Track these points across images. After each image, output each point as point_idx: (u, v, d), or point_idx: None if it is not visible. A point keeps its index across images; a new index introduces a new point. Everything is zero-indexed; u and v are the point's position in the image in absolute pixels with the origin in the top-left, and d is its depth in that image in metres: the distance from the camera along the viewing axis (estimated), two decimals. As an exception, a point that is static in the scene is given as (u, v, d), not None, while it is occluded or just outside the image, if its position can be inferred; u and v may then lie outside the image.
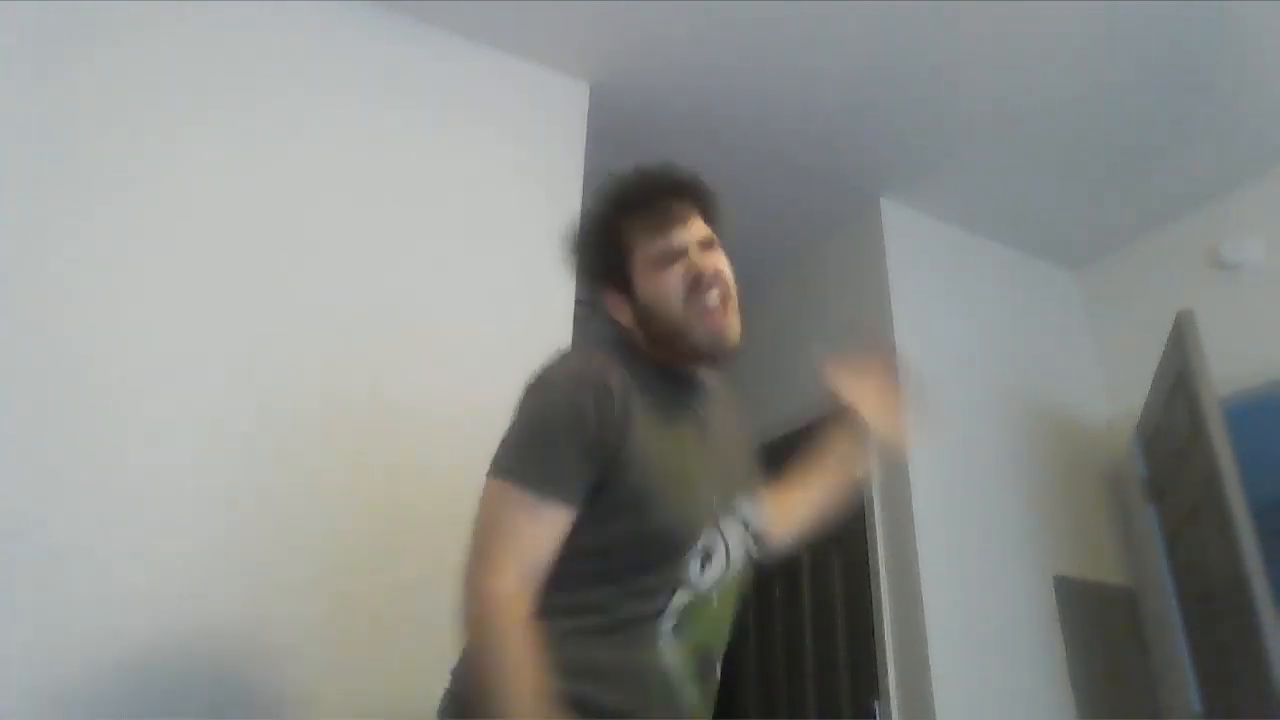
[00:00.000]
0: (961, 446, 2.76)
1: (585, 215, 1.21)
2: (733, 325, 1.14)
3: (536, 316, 2.19)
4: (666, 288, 1.13)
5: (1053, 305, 3.29)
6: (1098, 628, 2.71)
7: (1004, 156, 2.81)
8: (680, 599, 1.06)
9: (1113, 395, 3.12)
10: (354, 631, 1.71)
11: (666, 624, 1.05)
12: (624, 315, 1.18)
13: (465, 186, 2.25)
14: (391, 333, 2.00)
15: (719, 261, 1.16)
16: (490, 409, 2.00)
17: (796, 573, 2.91)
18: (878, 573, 2.59)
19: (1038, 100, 2.56)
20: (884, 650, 2.50)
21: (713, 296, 1.13)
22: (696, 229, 1.16)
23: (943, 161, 2.84)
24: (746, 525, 1.16)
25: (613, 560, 1.06)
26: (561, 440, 1.05)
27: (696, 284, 1.12)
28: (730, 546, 1.12)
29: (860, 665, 2.58)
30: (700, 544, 1.08)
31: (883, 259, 2.92)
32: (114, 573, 1.58)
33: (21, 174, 1.74)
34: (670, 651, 1.05)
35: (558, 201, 2.35)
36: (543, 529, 1.03)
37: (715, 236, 1.19)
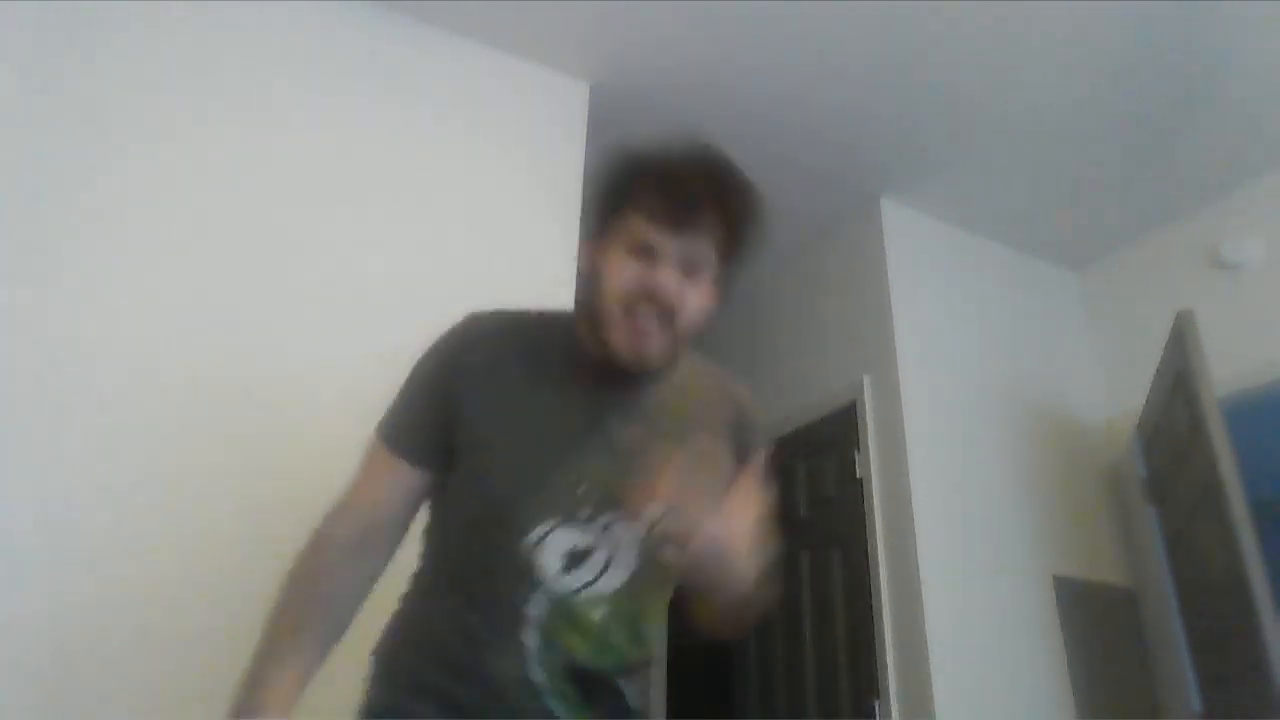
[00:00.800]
0: (961, 446, 2.77)
1: (623, 154, 1.07)
2: (654, 345, 1.00)
3: (536, 316, 2.19)
4: (619, 273, 1.01)
5: (1053, 305, 3.30)
6: (1098, 628, 2.71)
7: (1004, 156, 2.81)
8: (540, 603, 0.96)
9: (1113, 395, 3.13)
10: None
11: (529, 632, 0.96)
12: (582, 264, 1.11)
13: (465, 186, 2.25)
14: (390, 331, 2.00)
15: (691, 291, 1.01)
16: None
17: (796, 572, 2.91)
18: (878, 573, 2.59)
19: (1038, 100, 2.56)
20: (884, 650, 2.50)
21: (648, 310, 0.99)
22: (690, 246, 1.00)
23: (943, 161, 2.84)
24: (651, 530, 0.99)
25: (455, 545, 1.04)
26: (413, 393, 1.07)
27: (645, 293, 0.99)
28: (616, 552, 1.00)
29: (860, 665, 2.58)
30: (546, 536, 0.97)
31: (883, 259, 2.92)
32: (91, 568, 1.58)
33: (20, 174, 1.74)
34: (533, 659, 0.95)
35: (558, 201, 2.35)
36: (387, 481, 1.04)
37: (711, 261, 1.03)
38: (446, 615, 0.99)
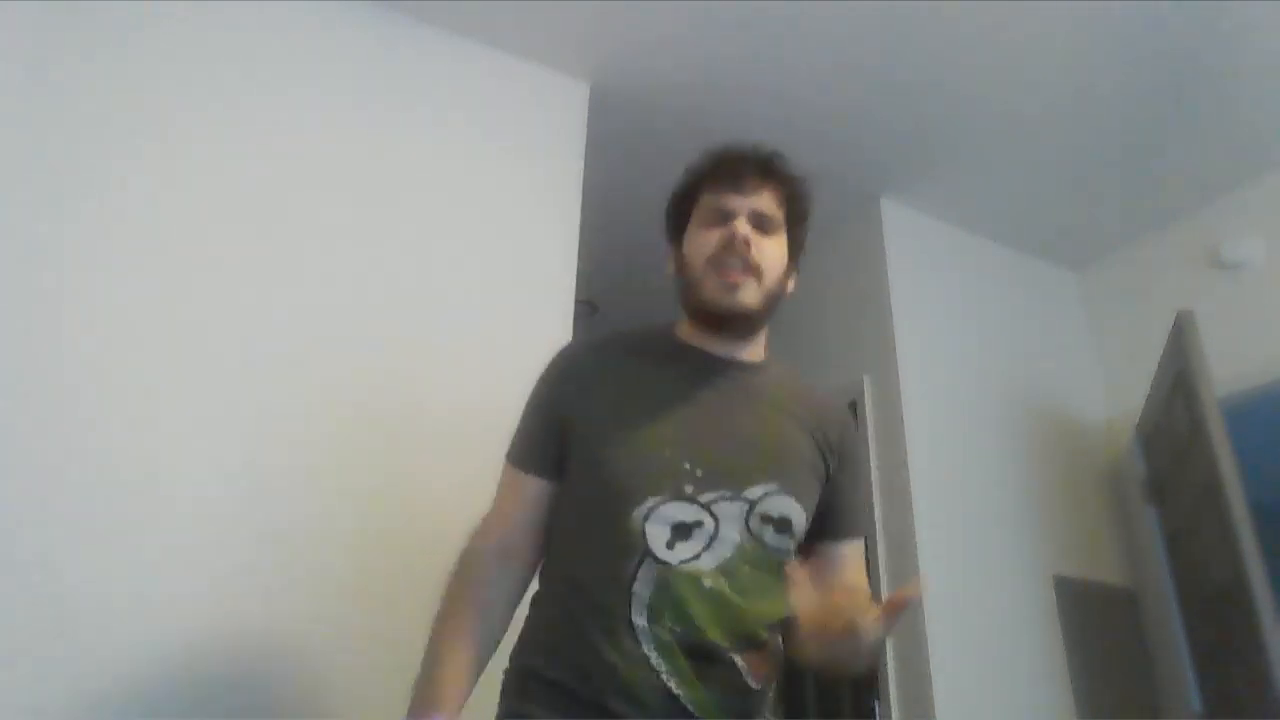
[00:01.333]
0: (961, 446, 2.76)
1: (686, 168, 1.26)
2: (744, 291, 1.12)
3: (536, 315, 2.19)
4: (702, 241, 1.15)
5: (1053, 305, 3.29)
6: (1098, 628, 2.71)
7: (1004, 156, 2.81)
8: (648, 576, 1.01)
9: (1113, 395, 3.13)
10: (377, 635, 1.71)
11: (638, 608, 1.01)
12: (672, 265, 1.23)
13: (465, 186, 2.24)
14: (391, 332, 2.00)
15: (767, 243, 1.15)
16: (490, 406, 2.01)
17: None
18: (878, 572, 2.59)
19: (1038, 100, 2.56)
20: (884, 650, 2.50)
21: (734, 261, 1.11)
22: (758, 202, 1.16)
23: (943, 161, 2.84)
24: (751, 509, 1.06)
25: (570, 536, 1.12)
26: (528, 416, 1.20)
27: (727, 246, 1.12)
28: (721, 526, 1.04)
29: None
30: (644, 510, 1.03)
31: (883, 259, 2.92)
32: (129, 579, 1.58)
33: (17, 174, 1.74)
34: (645, 636, 1.00)
35: (558, 201, 2.35)
36: (518, 495, 1.16)
37: (779, 220, 1.18)
38: (563, 612, 1.07)
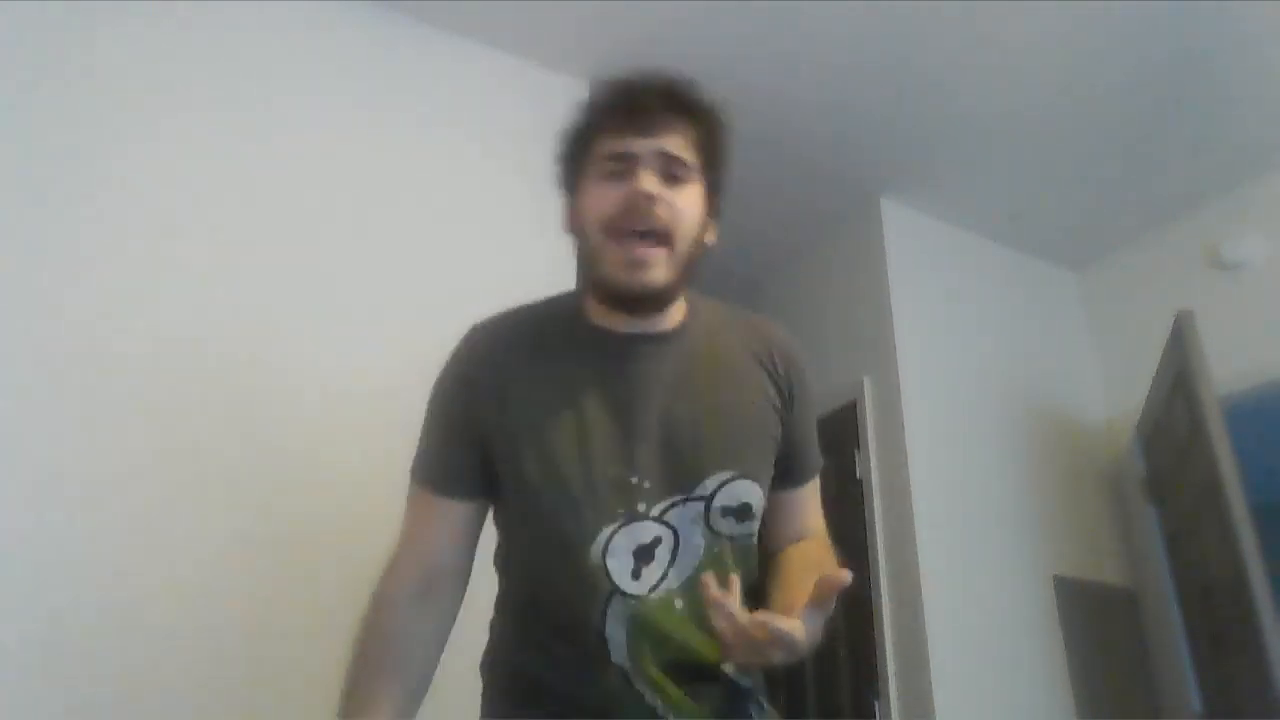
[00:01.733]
0: (961, 446, 2.76)
1: (576, 104, 1.04)
2: (653, 269, 0.92)
3: (536, 316, 2.19)
4: (599, 199, 0.95)
5: (1053, 305, 3.29)
6: (1098, 628, 2.71)
7: (1004, 156, 2.81)
8: (618, 612, 0.90)
9: (1113, 395, 3.12)
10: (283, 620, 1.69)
11: (615, 648, 0.90)
12: (566, 223, 1.04)
13: (462, 185, 2.24)
14: (389, 332, 2.00)
15: (679, 194, 0.94)
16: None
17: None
18: (878, 573, 2.59)
19: (1038, 100, 2.56)
20: (884, 650, 2.50)
21: (638, 225, 0.92)
22: (665, 142, 0.94)
23: (943, 161, 2.84)
24: (709, 507, 0.94)
25: (523, 573, 0.99)
26: (440, 432, 1.02)
27: (630, 208, 0.92)
28: (681, 534, 0.93)
29: (860, 665, 2.58)
30: (609, 542, 0.90)
31: (883, 259, 2.92)
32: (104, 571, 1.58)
33: (16, 173, 1.74)
34: (627, 669, 0.90)
35: (557, 201, 2.35)
36: (438, 523, 1.00)
37: (692, 163, 0.97)
38: (536, 646, 0.95)
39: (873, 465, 2.73)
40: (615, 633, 0.90)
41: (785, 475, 1.06)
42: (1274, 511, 3.24)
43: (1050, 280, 3.34)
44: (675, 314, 1.02)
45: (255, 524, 1.72)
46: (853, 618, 2.66)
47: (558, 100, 2.48)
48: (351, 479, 1.83)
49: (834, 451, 2.91)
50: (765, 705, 0.99)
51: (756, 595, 0.98)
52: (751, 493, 0.97)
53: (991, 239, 3.22)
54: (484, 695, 1.01)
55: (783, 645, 0.78)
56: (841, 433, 2.87)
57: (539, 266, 2.24)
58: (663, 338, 1.00)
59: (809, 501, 1.14)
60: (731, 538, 0.96)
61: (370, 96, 2.21)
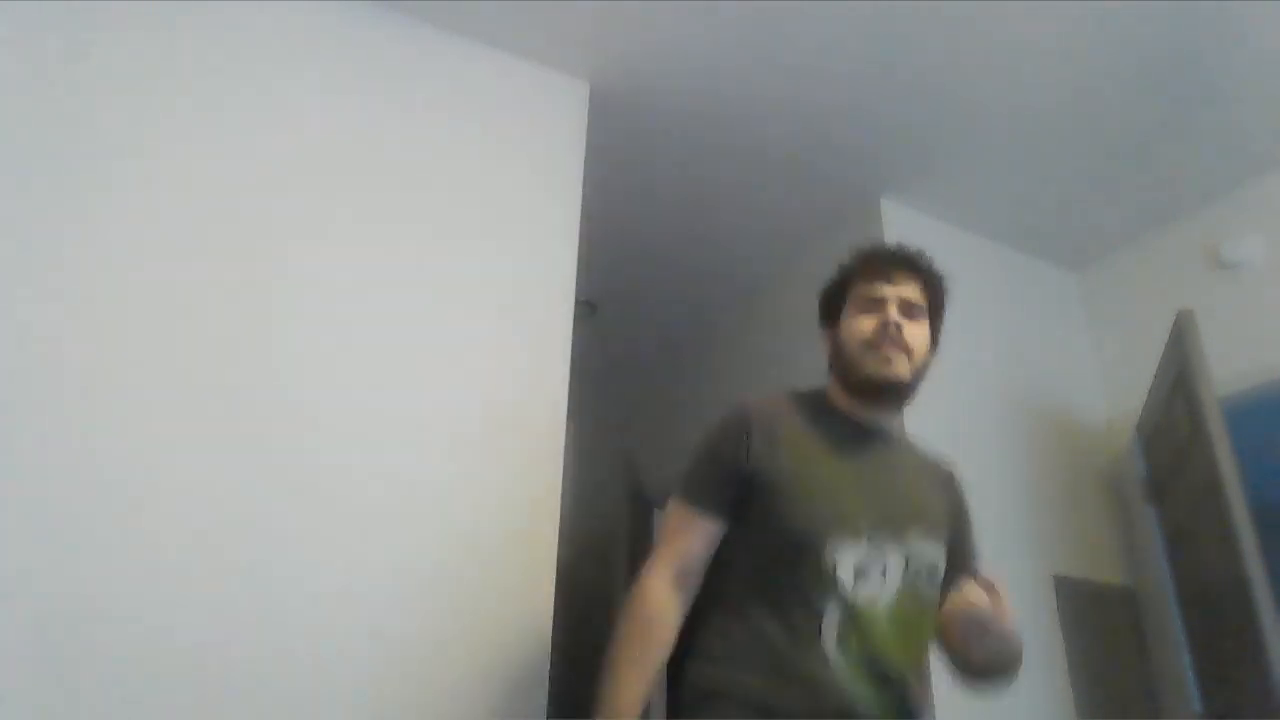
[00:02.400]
0: (961, 447, 2.75)
1: (838, 265, 1.51)
2: (898, 365, 1.33)
3: (536, 315, 2.19)
4: (857, 327, 1.36)
5: (1053, 305, 3.29)
6: (1098, 628, 2.71)
7: (1004, 156, 2.81)
8: (837, 610, 1.20)
9: (1113, 395, 3.12)
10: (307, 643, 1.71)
11: (829, 634, 1.19)
12: (827, 346, 1.45)
13: (464, 186, 2.24)
14: (389, 332, 2.00)
15: (914, 327, 1.36)
16: (490, 407, 2.01)
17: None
18: (878, 573, 2.59)
19: (1038, 100, 2.56)
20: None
21: (889, 345, 1.32)
22: (905, 291, 1.37)
23: (943, 161, 2.84)
24: (909, 557, 1.27)
25: (761, 570, 1.27)
26: (708, 464, 1.35)
27: (881, 331, 1.33)
28: (888, 568, 1.24)
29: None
30: (834, 552, 1.21)
31: (883, 259, 2.91)
32: (114, 590, 1.58)
33: (16, 173, 1.74)
34: (836, 658, 1.18)
35: (558, 201, 2.35)
36: (695, 533, 1.31)
37: (923, 308, 1.39)
38: (757, 630, 1.22)
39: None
40: (831, 619, 1.20)
41: (951, 572, 1.36)
42: (1274, 511, 3.24)
43: (1050, 280, 3.34)
44: (897, 424, 1.45)
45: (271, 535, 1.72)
46: (853, 618, 2.66)
47: (560, 101, 2.49)
48: (344, 479, 1.83)
49: (834, 451, 2.91)
50: None
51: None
52: (938, 557, 1.32)
53: (991, 239, 3.21)
54: (698, 698, 1.25)
55: (982, 621, 1.18)
56: (842, 433, 2.87)
57: (540, 266, 2.26)
58: (886, 435, 1.41)
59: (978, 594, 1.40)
60: (921, 593, 1.28)
61: (370, 97, 2.21)
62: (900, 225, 3.00)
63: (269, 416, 1.81)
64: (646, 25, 2.34)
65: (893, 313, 1.34)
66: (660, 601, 1.26)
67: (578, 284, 2.30)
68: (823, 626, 1.19)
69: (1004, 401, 2.93)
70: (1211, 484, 2.18)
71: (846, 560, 1.22)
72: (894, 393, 1.36)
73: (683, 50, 2.42)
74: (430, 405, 1.96)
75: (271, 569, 1.69)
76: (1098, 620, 2.73)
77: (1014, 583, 2.60)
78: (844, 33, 2.33)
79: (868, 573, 1.22)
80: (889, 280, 1.37)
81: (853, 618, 1.20)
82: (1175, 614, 2.64)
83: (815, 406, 1.40)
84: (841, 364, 1.39)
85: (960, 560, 1.41)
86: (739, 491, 1.30)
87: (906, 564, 1.26)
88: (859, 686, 1.17)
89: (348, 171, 2.10)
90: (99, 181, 1.81)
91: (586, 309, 3.51)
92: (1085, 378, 3.19)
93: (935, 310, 1.44)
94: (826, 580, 1.21)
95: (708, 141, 2.71)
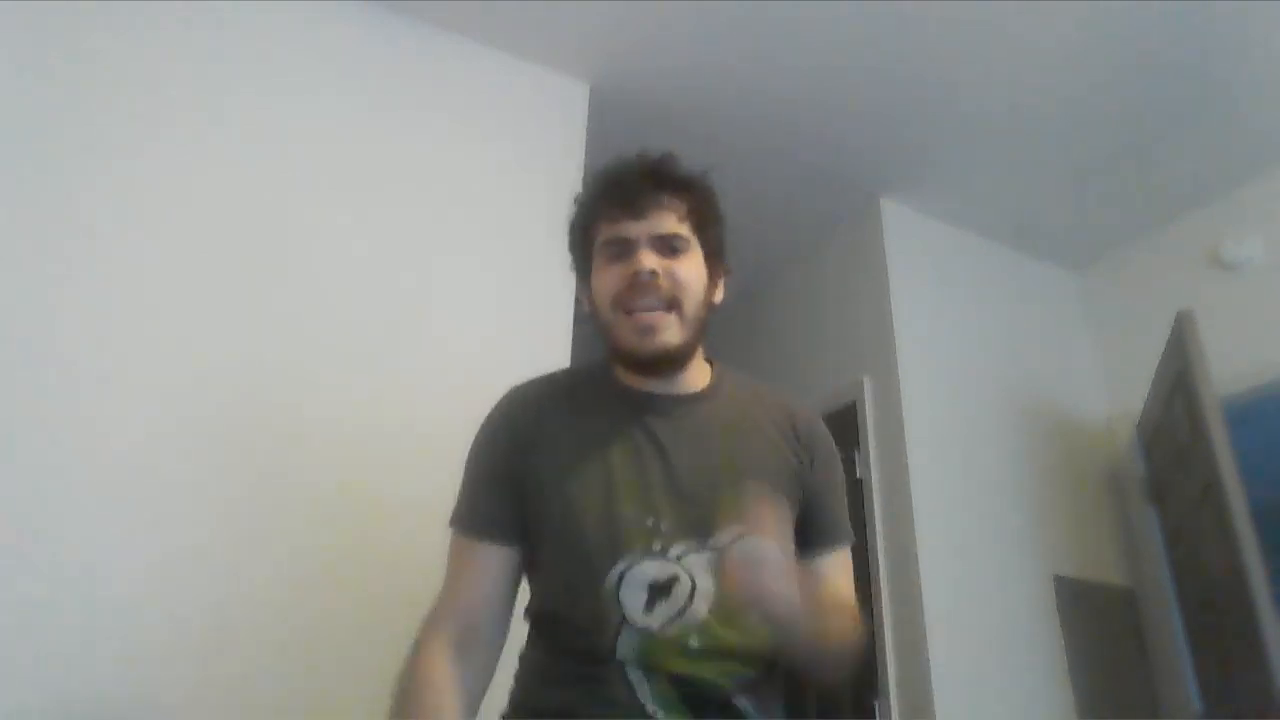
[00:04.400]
0: (961, 446, 2.76)
1: (574, 194, 1.18)
2: (663, 332, 1.02)
3: (536, 316, 2.19)
4: (603, 283, 1.05)
5: (1053, 305, 3.29)
6: (1098, 628, 2.71)
7: (1004, 156, 2.81)
8: (629, 643, 0.95)
9: (1113, 395, 3.13)
10: (319, 650, 1.69)
11: (630, 670, 0.95)
12: (586, 305, 1.13)
13: (465, 186, 2.24)
14: (389, 332, 2.00)
15: (679, 264, 1.04)
16: (487, 410, 2.01)
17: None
18: (878, 573, 2.59)
19: (1038, 100, 2.56)
20: (884, 650, 2.50)
21: (645, 300, 1.02)
22: (656, 223, 1.04)
23: (943, 161, 2.84)
24: (717, 554, 0.98)
25: (549, 596, 1.04)
26: (477, 481, 1.08)
27: (633, 284, 1.02)
28: (696, 579, 0.97)
29: (860, 665, 2.58)
30: (625, 574, 0.96)
31: (883, 259, 2.92)
32: (78, 575, 1.58)
33: (15, 173, 1.74)
34: (639, 688, 0.95)
35: (557, 202, 2.34)
36: (475, 568, 1.04)
37: (686, 235, 1.06)
38: (555, 667, 1.00)
39: (873, 465, 2.73)
40: (627, 654, 0.95)
41: (806, 542, 1.07)
42: (1274, 511, 3.24)
43: (1050, 280, 3.34)
44: (699, 378, 1.11)
45: (286, 555, 1.72)
46: (853, 618, 2.66)
47: (559, 101, 2.49)
48: (337, 482, 1.83)
49: (834, 451, 2.92)
50: None
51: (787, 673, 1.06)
52: (767, 549, 0.92)
53: (991, 239, 3.22)
54: None
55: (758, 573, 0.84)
56: (841, 433, 2.87)
57: (540, 267, 2.25)
58: (686, 399, 1.09)
59: (836, 575, 1.12)
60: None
61: (370, 97, 2.21)
62: (900, 225, 3.01)
63: (264, 422, 1.81)
64: (646, 25, 2.34)
65: (646, 259, 1.02)
66: (434, 669, 0.97)
67: (578, 284, 2.30)
68: (619, 663, 0.95)
69: (1004, 401, 2.93)
70: (1211, 484, 2.18)
71: (635, 581, 0.96)
72: (665, 363, 1.05)
73: (683, 50, 2.42)
74: (430, 406, 1.96)
75: (275, 580, 1.69)
76: (1098, 620, 2.73)
77: (1014, 583, 2.64)
78: (844, 33, 2.33)
79: (669, 589, 0.96)
80: (634, 213, 1.04)
81: (648, 651, 0.95)
82: (1175, 614, 2.64)
83: (596, 385, 1.11)
84: (601, 332, 1.08)
85: (814, 530, 1.09)
86: (515, 508, 1.05)
87: (710, 560, 0.98)
88: (674, 712, 0.94)
89: (347, 171, 2.10)
90: (99, 181, 1.81)
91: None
92: (1085, 378, 3.20)
93: (705, 225, 1.10)
94: (610, 613, 0.96)
95: (707, 141, 2.70)
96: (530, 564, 1.07)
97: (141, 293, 1.78)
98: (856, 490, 2.76)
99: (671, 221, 1.06)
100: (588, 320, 1.13)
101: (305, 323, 1.92)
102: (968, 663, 2.43)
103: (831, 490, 1.13)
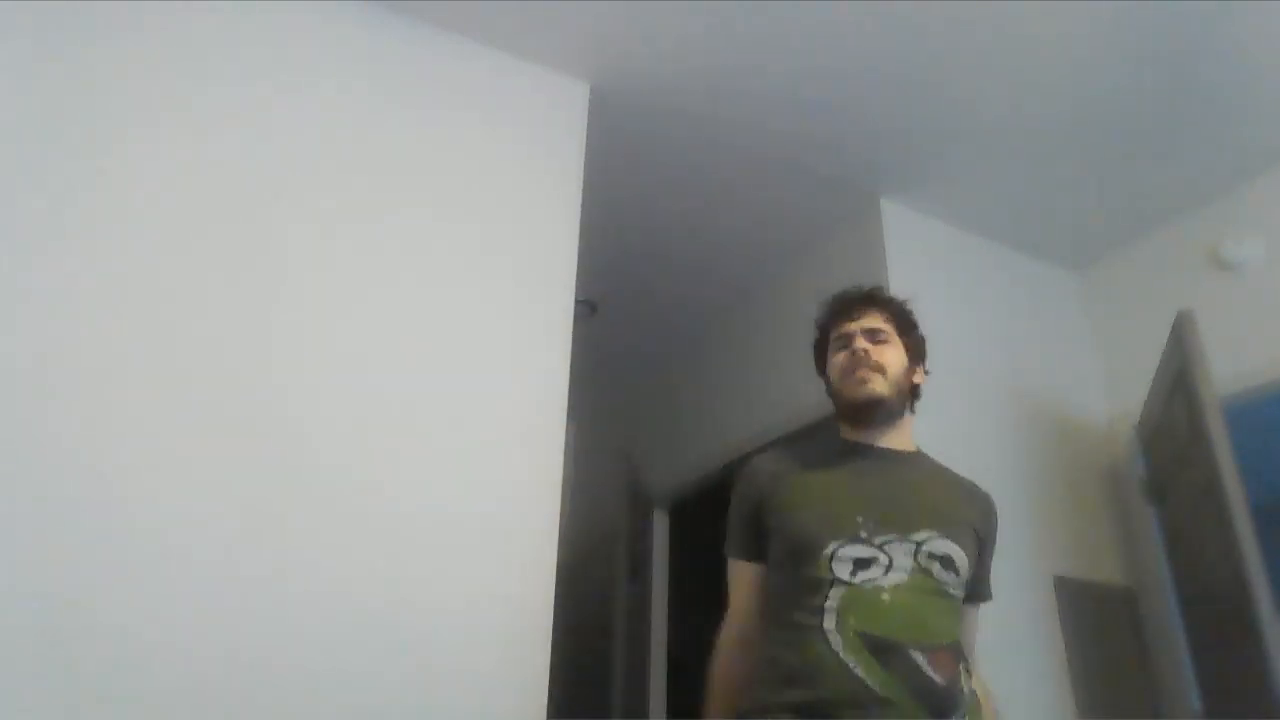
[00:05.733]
0: (962, 447, 2.75)
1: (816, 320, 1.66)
2: (872, 384, 1.47)
3: (537, 315, 2.19)
4: (833, 363, 1.55)
5: (1053, 305, 3.29)
6: (1098, 628, 2.71)
7: (1004, 156, 2.81)
8: (836, 595, 1.29)
9: (1113, 395, 3.12)
10: (314, 650, 1.70)
11: (829, 618, 1.28)
12: (826, 388, 1.59)
13: (464, 186, 2.24)
14: (389, 332, 2.00)
15: (883, 350, 1.50)
16: (490, 405, 2.02)
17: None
18: (878, 573, 2.58)
19: (1038, 100, 2.56)
20: None
21: (860, 368, 1.48)
22: (867, 321, 1.53)
23: (943, 161, 2.84)
24: (919, 548, 1.34)
25: (779, 578, 1.40)
26: (736, 516, 1.52)
27: (851, 359, 1.50)
28: (895, 559, 1.32)
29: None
30: (836, 550, 1.31)
31: (883, 259, 2.91)
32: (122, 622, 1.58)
33: (15, 173, 1.74)
34: (834, 637, 1.26)
35: (558, 202, 2.35)
36: (743, 582, 1.49)
37: (888, 332, 1.53)
38: (772, 640, 1.36)
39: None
40: (831, 604, 1.29)
41: (967, 595, 1.45)
42: (1274, 511, 3.24)
43: (1050, 280, 3.34)
44: (907, 442, 1.55)
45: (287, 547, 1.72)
46: (853, 618, 2.66)
47: (560, 101, 2.49)
48: (344, 483, 1.83)
49: (834, 451, 2.91)
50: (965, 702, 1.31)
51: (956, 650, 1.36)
52: (954, 549, 1.37)
53: (991, 239, 3.22)
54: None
55: None
56: (842, 433, 2.87)
57: (540, 266, 2.26)
58: (896, 454, 1.51)
59: (972, 620, 1.57)
60: (935, 577, 1.34)
61: (370, 97, 2.21)
62: (900, 225, 3.01)
63: (264, 417, 1.81)
64: (646, 25, 2.34)
65: (859, 342, 1.50)
66: (726, 664, 1.46)
67: (578, 284, 2.31)
68: (823, 615, 1.28)
69: (1004, 401, 2.93)
70: (1211, 484, 2.18)
71: (844, 556, 1.31)
72: (876, 408, 1.48)
73: (683, 50, 2.42)
74: (430, 406, 1.96)
75: (272, 568, 1.69)
76: (1098, 620, 2.73)
77: (1014, 583, 2.63)
78: (844, 33, 2.33)
79: (870, 565, 1.30)
80: (851, 317, 1.54)
81: (852, 599, 1.28)
82: (1175, 614, 2.64)
83: (828, 442, 1.55)
84: (833, 398, 1.56)
85: (972, 584, 1.48)
86: (760, 531, 1.46)
87: (916, 553, 1.33)
88: (860, 661, 1.23)
89: (347, 171, 2.10)
90: (96, 178, 1.81)
91: (586, 309, 3.52)
92: (1085, 378, 3.19)
93: (905, 330, 1.57)
94: (824, 577, 1.30)
95: (707, 141, 2.71)
96: (769, 573, 1.44)
97: (142, 291, 1.78)
98: None
99: (877, 320, 1.54)
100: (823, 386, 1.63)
101: (304, 324, 1.92)
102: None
103: (991, 556, 1.58)
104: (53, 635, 1.49)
